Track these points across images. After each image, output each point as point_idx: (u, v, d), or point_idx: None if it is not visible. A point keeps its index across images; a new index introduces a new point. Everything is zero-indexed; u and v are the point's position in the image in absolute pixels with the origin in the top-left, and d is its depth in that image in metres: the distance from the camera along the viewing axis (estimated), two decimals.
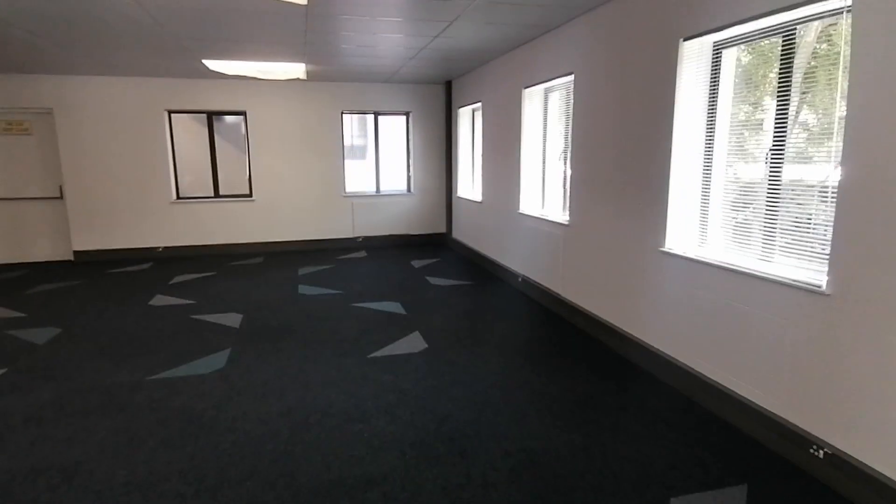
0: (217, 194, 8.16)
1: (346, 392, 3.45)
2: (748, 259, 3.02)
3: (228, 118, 8.11)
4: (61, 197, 7.49)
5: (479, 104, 7.18)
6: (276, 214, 8.33)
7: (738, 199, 3.15)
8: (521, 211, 5.86)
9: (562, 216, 5.13)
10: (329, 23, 4.61)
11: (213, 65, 6.47)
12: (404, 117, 8.75)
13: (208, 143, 8.01)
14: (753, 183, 3.03)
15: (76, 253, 7.61)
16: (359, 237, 8.72)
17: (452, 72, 7.44)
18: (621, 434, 2.92)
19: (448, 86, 8.37)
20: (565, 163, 5.15)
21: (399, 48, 5.72)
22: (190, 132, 8.02)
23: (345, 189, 8.59)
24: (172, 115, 7.81)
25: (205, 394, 3.45)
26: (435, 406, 3.25)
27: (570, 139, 4.84)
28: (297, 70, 6.91)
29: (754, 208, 3.02)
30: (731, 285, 3.00)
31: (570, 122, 4.78)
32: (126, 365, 3.92)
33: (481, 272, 6.86)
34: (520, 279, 5.95)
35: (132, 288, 6.15)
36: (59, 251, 7.65)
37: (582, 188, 4.62)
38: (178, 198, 8.01)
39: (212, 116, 7.97)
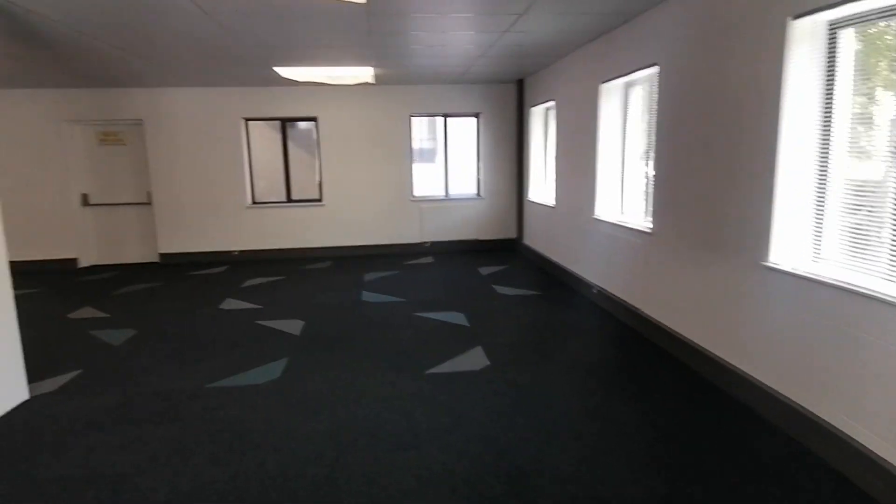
0: (289, 199, 8.32)
1: (398, 411, 3.23)
2: (878, 280, 2.46)
3: (300, 124, 8.25)
4: (150, 202, 7.92)
5: (552, 102, 6.78)
6: (344, 219, 8.36)
7: (865, 206, 2.59)
8: (597, 216, 5.41)
9: (643, 222, 4.64)
10: (391, 22, 4.45)
11: (284, 72, 6.55)
12: (474, 119, 8.50)
13: (282, 149, 8.19)
14: (885, 187, 2.47)
15: (162, 255, 8.02)
16: (426, 242, 8.57)
17: (524, 69, 7.09)
18: (715, 484, 2.47)
19: (520, 84, 8.02)
20: (648, 163, 4.67)
21: (467, 46, 5.47)
22: (265, 139, 8.24)
23: (413, 193, 8.48)
24: (249, 122, 8.05)
25: (257, 406, 3.35)
26: (494, 435, 2.95)
27: (653, 137, 4.36)
28: (365, 74, 6.86)
29: (886, 217, 2.45)
30: (854, 311, 2.46)
31: (654, 118, 4.30)
32: (189, 370, 3.93)
33: (552, 281, 6.44)
34: (594, 290, 5.49)
35: (206, 291, 6.33)
36: (147, 253, 8.11)
37: (667, 191, 4.13)
38: (254, 202, 8.24)
39: (285, 123, 8.13)
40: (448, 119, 8.45)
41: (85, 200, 7.82)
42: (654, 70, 4.24)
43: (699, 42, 3.62)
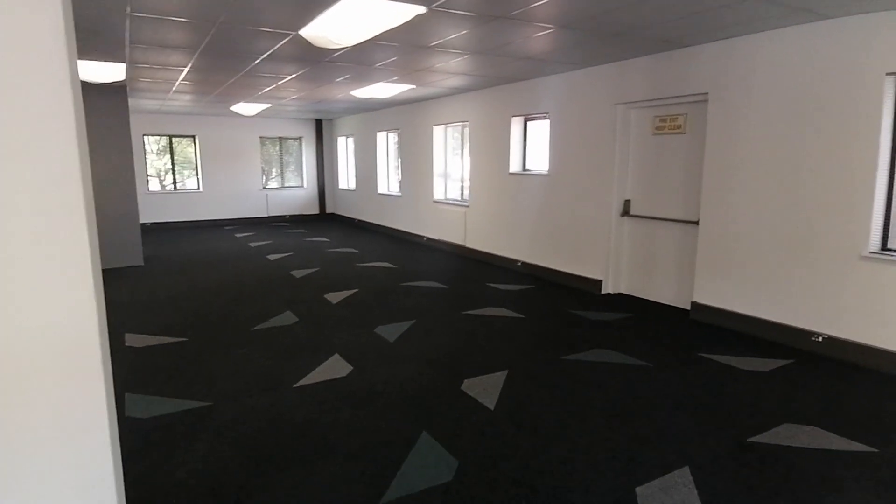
0: None
1: None
2: None
3: None
4: (697, 222, 5.21)
5: None
6: None
7: None
8: None
9: None
10: None
11: None
12: None
13: None
14: None
15: (694, 305, 5.23)
16: None
17: None
18: None
19: None
20: None
21: None
22: None
23: None
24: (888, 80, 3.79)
25: None
26: None
27: None
28: None
29: None
30: None
31: None
32: None
33: None
34: None
35: (677, 432, 3.24)
36: (679, 296, 5.49)
37: None
38: (883, 249, 4.02)
39: None
40: None
41: (626, 209, 5.99)
42: None
43: None
